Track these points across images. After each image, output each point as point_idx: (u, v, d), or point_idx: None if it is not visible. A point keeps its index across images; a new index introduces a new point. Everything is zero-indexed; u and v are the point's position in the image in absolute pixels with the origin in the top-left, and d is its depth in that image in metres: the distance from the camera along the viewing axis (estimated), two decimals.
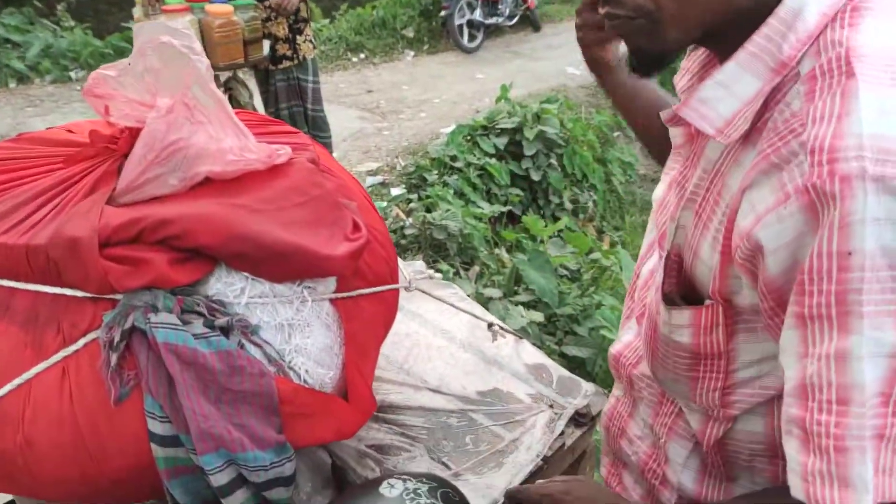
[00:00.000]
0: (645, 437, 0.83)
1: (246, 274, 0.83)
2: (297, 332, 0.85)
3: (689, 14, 0.55)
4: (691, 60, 0.71)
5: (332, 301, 0.91)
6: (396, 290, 1.05)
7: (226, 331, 0.79)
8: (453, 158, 3.81)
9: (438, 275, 1.15)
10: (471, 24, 6.54)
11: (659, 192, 0.73)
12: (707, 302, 0.62)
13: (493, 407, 1.17)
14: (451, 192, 3.53)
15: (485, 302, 2.67)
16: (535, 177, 3.94)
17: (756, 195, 0.52)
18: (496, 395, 1.20)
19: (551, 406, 1.16)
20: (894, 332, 0.46)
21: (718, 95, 0.56)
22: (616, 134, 4.93)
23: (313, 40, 3.74)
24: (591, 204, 4.14)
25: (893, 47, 0.50)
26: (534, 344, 1.34)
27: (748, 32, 0.54)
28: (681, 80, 0.71)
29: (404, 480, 0.71)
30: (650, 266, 0.79)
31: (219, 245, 0.79)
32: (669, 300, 0.66)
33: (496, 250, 3.22)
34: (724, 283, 0.59)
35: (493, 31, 6.93)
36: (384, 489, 0.69)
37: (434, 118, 5.10)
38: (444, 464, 1.05)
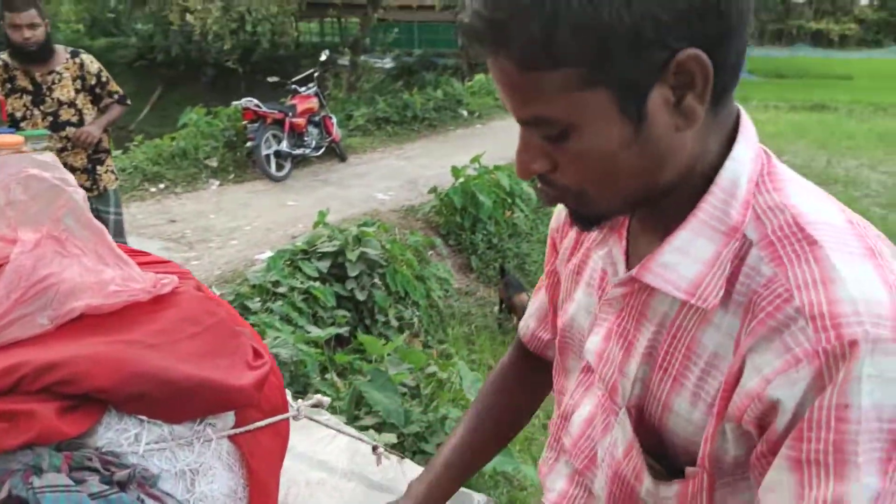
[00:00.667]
0: None
1: (141, 417, 0.74)
2: (201, 478, 0.77)
3: (612, 195, 0.58)
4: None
5: (230, 438, 0.84)
6: (288, 421, 0.99)
7: (123, 485, 0.69)
8: (276, 284, 3.73)
9: (327, 399, 1.12)
10: (278, 154, 6.66)
11: (595, 343, 0.70)
12: (689, 470, 0.61)
13: None
14: (277, 318, 3.42)
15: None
16: (361, 297, 3.99)
17: (759, 359, 0.53)
18: None
19: None
20: (878, 479, 0.50)
21: (678, 260, 0.58)
22: (430, 252, 5.21)
23: (115, 171, 3.54)
24: (415, 320, 4.26)
25: (828, 210, 0.56)
26: (419, 463, 1.33)
27: (679, 199, 0.59)
28: (591, 238, 0.73)
29: None
30: (584, 416, 0.75)
31: (114, 387, 0.70)
32: (657, 473, 0.64)
33: (328, 375, 3.15)
34: (713, 444, 0.59)
35: (300, 161, 7.11)
36: None
37: (247, 245, 4.98)
38: None
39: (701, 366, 0.59)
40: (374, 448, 1.23)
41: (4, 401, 0.65)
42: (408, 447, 2.66)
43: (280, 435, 0.96)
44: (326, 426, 1.12)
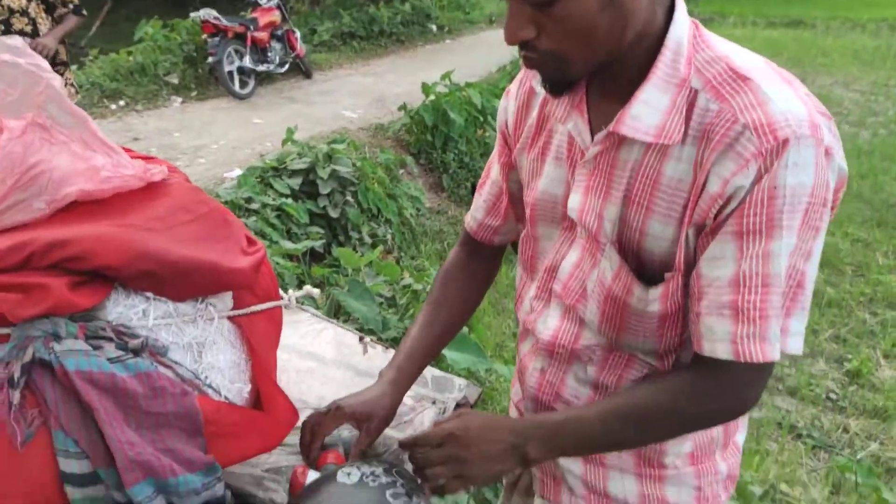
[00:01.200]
0: (583, 394, 0.93)
1: (147, 294, 0.79)
2: (207, 351, 0.83)
3: (588, 56, 0.71)
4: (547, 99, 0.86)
5: (230, 319, 0.89)
6: (280, 309, 1.05)
7: (137, 353, 0.74)
8: (248, 200, 3.72)
9: (317, 291, 1.17)
10: (241, 70, 6.44)
11: (576, 201, 0.83)
12: (667, 274, 0.77)
13: None
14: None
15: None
16: (334, 214, 4.01)
17: (720, 168, 0.70)
18: None
19: (434, 402, 1.24)
20: (794, 238, 0.69)
21: (644, 111, 0.73)
22: (401, 171, 5.21)
23: (75, 84, 3.42)
24: (388, 237, 4.31)
25: (751, 57, 0.74)
26: None
27: (634, 62, 0.74)
28: (555, 108, 0.84)
29: (358, 467, 0.73)
30: (572, 261, 0.88)
31: (123, 265, 0.74)
32: (647, 280, 0.79)
33: (305, 287, 3.21)
34: (684, 250, 0.75)
35: (264, 78, 6.89)
36: (341, 478, 0.70)
37: (215, 164, 4.90)
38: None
39: (668, 192, 0.74)
40: (361, 338, 1.30)
41: (17, 275, 0.69)
42: None
43: (274, 320, 1.02)
44: (316, 315, 1.18)
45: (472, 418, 0.85)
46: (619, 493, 0.97)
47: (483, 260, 1.09)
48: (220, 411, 0.78)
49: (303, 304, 1.14)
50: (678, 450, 0.94)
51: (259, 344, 0.92)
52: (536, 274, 0.95)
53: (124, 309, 0.77)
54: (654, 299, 0.79)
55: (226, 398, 0.81)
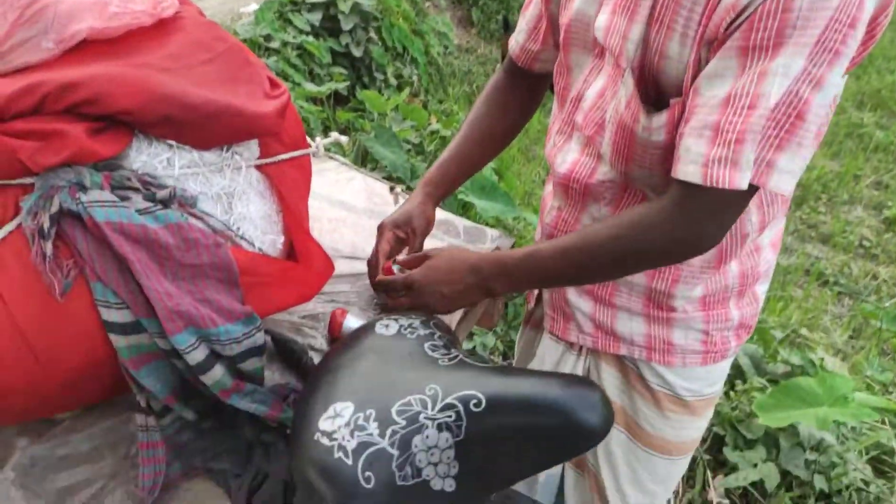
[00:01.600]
0: None
1: (170, 142, 0.75)
2: (237, 201, 0.80)
3: None
4: None
5: (258, 168, 0.86)
6: (309, 157, 1.01)
7: (165, 204, 0.72)
8: (267, 38, 3.54)
9: (345, 138, 1.12)
10: None
11: (603, 20, 0.81)
12: (673, 100, 0.75)
13: None
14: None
15: None
16: (357, 53, 3.81)
17: None
18: None
19: None
20: (804, 60, 0.65)
21: None
22: (427, 4, 4.87)
23: None
24: (415, 78, 4.13)
25: None
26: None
27: None
28: None
29: (396, 319, 0.73)
30: (597, 89, 0.87)
31: (140, 109, 0.70)
32: (650, 108, 0.78)
33: (331, 133, 3.14)
34: (694, 70, 0.72)
35: None
36: (380, 329, 0.71)
37: None
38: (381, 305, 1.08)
39: (688, 7, 0.72)
40: (392, 188, 1.27)
41: (33, 120, 0.65)
42: None
43: (303, 168, 0.98)
44: (344, 164, 1.14)
45: (435, 261, 0.94)
46: (625, 332, 1.00)
47: (524, 87, 1.09)
48: (254, 262, 0.77)
49: (330, 151, 1.10)
50: (688, 294, 0.95)
51: (289, 194, 0.89)
52: (565, 106, 0.94)
53: (148, 158, 0.73)
54: (659, 127, 0.77)
55: (259, 249, 0.80)
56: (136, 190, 0.70)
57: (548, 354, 1.13)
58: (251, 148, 0.84)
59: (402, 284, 0.95)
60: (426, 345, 0.68)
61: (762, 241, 0.97)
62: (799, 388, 1.80)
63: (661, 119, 0.77)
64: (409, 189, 2.75)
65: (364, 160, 2.87)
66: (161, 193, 0.71)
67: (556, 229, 1.00)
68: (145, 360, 0.73)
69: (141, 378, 0.73)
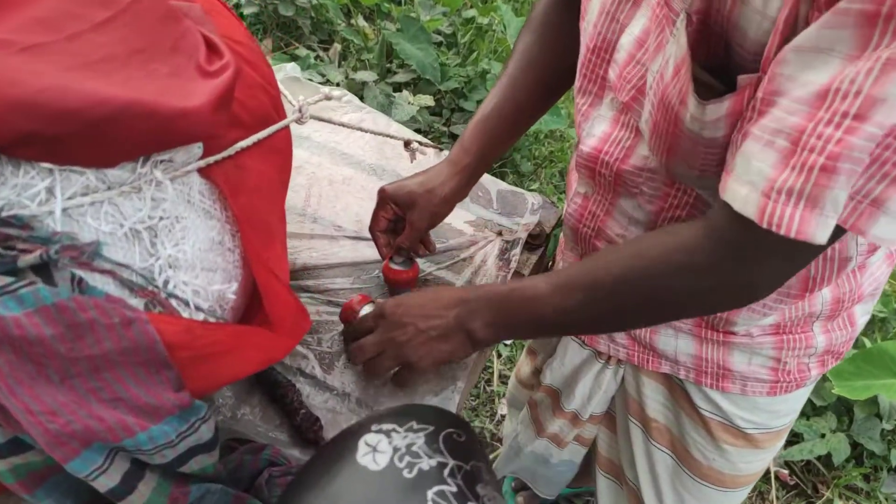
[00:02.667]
0: (631, 233, 0.73)
1: (48, 165, 0.49)
2: (164, 236, 0.55)
3: None
4: None
5: (201, 172, 0.60)
6: (287, 130, 0.74)
7: (43, 267, 0.48)
8: None
9: (338, 91, 0.84)
10: None
11: None
12: (743, 79, 0.50)
13: None
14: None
15: (358, 88, 2.32)
16: None
17: None
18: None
19: (499, 233, 0.97)
20: None
21: None
22: None
23: None
24: None
25: None
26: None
27: None
28: None
29: (388, 434, 0.49)
30: (635, 34, 0.62)
31: None
32: (704, 89, 0.52)
33: (353, 20, 2.75)
34: (783, 36, 0.46)
35: None
36: (364, 458, 0.48)
37: None
38: None
39: None
40: (407, 143, 0.99)
41: None
42: (446, 105, 2.43)
43: (276, 150, 0.71)
44: (341, 125, 0.86)
45: (408, 297, 0.74)
46: (668, 349, 0.79)
47: (573, 9, 0.78)
48: (191, 332, 0.53)
49: (331, 99, 0.81)
50: (756, 322, 0.73)
51: (252, 199, 0.63)
52: (588, 53, 0.70)
53: (11, 192, 0.48)
54: (716, 119, 0.52)
55: (197, 309, 0.56)
56: None
57: (570, 356, 0.92)
58: (188, 147, 0.58)
59: (367, 322, 0.74)
60: (431, 493, 0.45)
61: (871, 259, 0.71)
62: (885, 354, 1.55)
63: (721, 108, 0.51)
64: (437, 141, 2.41)
65: (389, 58, 2.52)
66: (28, 257, 0.46)
67: (580, 223, 0.77)
68: (39, 480, 0.52)
69: (38, 500, 0.53)
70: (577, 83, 0.73)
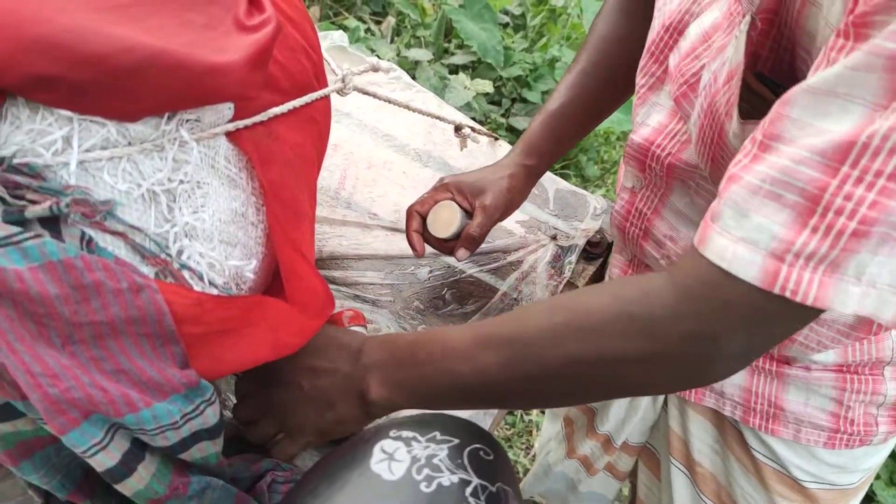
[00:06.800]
0: (681, 236, 0.72)
1: (67, 113, 0.51)
2: (183, 202, 0.56)
3: None
4: None
5: (230, 136, 0.61)
6: (327, 100, 0.75)
7: (52, 221, 0.50)
8: None
9: (387, 63, 0.85)
10: None
11: None
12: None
13: None
14: None
15: (410, 67, 2.34)
16: None
17: None
18: None
19: (554, 237, 0.96)
20: None
21: None
22: None
23: None
24: None
25: None
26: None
27: None
28: None
29: (408, 442, 0.49)
30: (704, 26, 0.63)
31: (3, 63, 0.46)
32: (758, 101, 0.52)
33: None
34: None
35: None
36: (379, 465, 0.47)
37: None
38: None
39: None
40: (458, 128, 0.99)
41: None
42: (506, 94, 2.43)
43: (314, 122, 0.72)
44: (388, 101, 0.87)
45: (307, 345, 0.64)
46: None
47: None
48: (202, 306, 0.55)
49: (378, 71, 0.83)
50: (813, 358, 0.71)
51: (281, 175, 0.65)
52: (658, 31, 0.71)
53: (26, 138, 0.50)
54: None
55: (211, 284, 0.57)
56: (0, 200, 0.48)
57: None
58: (218, 108, 0.59)
59: (243, 385, 0.70)
60: None
61: None
62: None
63: None
64: (493, 128, 2.41)
65: (448, 37, 2.54)
66: (37, 207, 0.48)
67: (627, 221, 0.78)
68: (28, 451, 0.54)
69: (24, 474, 0.54)
70: (642, 60, 0.73)
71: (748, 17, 0.53)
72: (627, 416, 0.92)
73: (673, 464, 0.90)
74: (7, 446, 0.53)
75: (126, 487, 0.54)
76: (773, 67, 0.54)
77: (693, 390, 0.81)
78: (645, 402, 0.89)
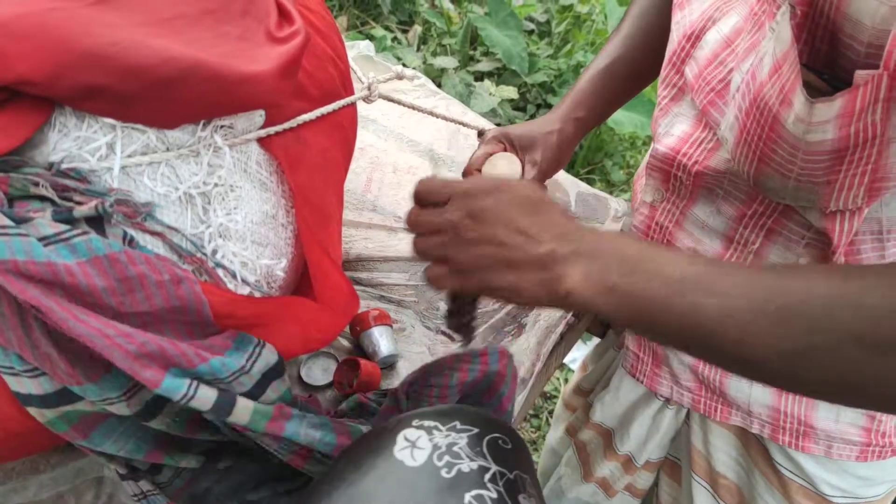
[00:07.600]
0: (704, 247, 0.73)
1: (111, 121, 0.55)
2: (217, 204, 0.60)
3: None
4: None
5: (261, 142, 0.65)
6: (354, 107, 0.78)
7: (97, 221, 0.54)
8: None
9: (411, 71, 0.88)
10: None
11: None
12: (861, 75, 0.47)
13: None
14: None
15: (437, 75, 2.39)
16: None
17: None
18: None
19: None
20: None
21: None
22: None
23: None
24: None
25: None
26: None
27: None
28: None
29: (429, 431, 0.52)
30: (724, 32, 0.65)
31: (49, 78, 0.50)
32: (816, 89, 0.52)
33: (440, 2, 2.83)
34: None
35: None
36: (402, 452, 0.51)
37: None
38: (445, 334, 0.89)
39: None
40: (480, 133, 1.02)
41: None
42: (531, 100, 2.46)
43: (340, 128, 0.76)
44: (412, 108, 0.90)
45: (513, 187, 0.54)
46: (740, 395, 0.78)
47: None
48: (235, 305, 0.58)
49: (402, 79, 0.86)
50: None
51: (312, 176, 0.68)
52: (675, 40, 0.72)
53: (73, 144, 0.54)
54: (826, 121, 0.51)
55: (244, 282, 0.61)
56: (47, 200, 0.52)
57: (625, 391, 0.92)
58: (251, 115, 0.63)
59: (448, 192, 0.55)
60: (469, 496, 0.47)
61: None
62: None
63: (832, 109, 0.50)
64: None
65: (474, 42, 2.57)
66: (84, 208, 0.52)
67: (647, 237, 0.78)
68: (94, 423, 0.58)
69: (96, 446, 0.58)
70: (663, 71, 0.74)
71: (785, 7, 0.53)
72: (650, 435, 0.91)
73: (695, 479, 0.90)
74: (72, 422, 0.56)
75: (239, 415, 0.55)
76: (808, 58, 0.54)
77: (719, 409, 0.81)
78: (668, 418, 0.88)
